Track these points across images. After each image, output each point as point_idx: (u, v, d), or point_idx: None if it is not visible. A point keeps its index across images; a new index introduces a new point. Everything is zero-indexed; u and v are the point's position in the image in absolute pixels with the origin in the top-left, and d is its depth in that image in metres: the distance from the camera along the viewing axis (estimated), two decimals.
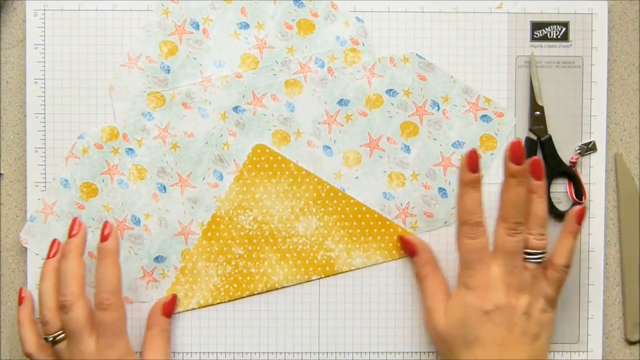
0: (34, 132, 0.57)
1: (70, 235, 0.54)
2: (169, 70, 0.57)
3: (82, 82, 0.57)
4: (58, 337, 0.52)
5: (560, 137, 0.58)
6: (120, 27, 0.57)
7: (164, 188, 0.57)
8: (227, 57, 0.57)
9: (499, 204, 0.53)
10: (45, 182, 0.57)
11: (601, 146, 0.58)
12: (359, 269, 0.57)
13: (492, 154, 0.58)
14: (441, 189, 0.58)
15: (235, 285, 0.57)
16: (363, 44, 0.57)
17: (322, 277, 0.57)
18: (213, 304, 0.57)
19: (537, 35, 0.58)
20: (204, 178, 0.57)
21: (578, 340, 0.58)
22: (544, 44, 0.58)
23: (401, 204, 0.58)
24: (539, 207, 0.53)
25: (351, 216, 0.57)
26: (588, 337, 0.58)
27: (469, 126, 0.58)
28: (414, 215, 0.58)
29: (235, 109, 0.57)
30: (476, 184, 0.52)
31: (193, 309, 0.57)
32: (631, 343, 0.59)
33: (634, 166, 0.59)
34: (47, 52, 0.57)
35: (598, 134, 0.58)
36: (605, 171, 0.59)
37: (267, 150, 0.57)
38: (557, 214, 0.58)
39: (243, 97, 0.57)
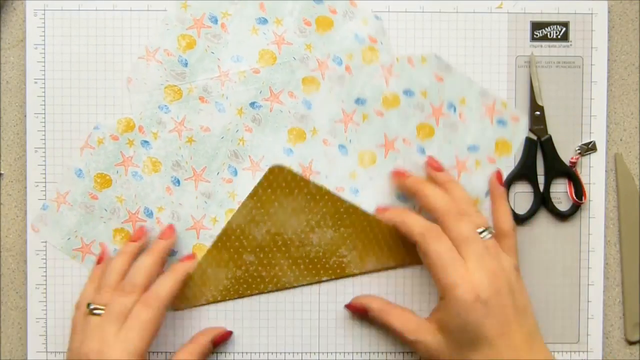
0: (34, 132, 0.57)
1: (161, 237, 0.56)
2: (186, 64, 0.57)
3: (82, 82, 0.57)
4: (98, 310, 0.52)
5: (561, 137, 0.58)
6: (120, 27, 0.57)
7: (178, 182, 0.57)
8: (245, 52, 0.57)
9: (431, 214, 0.53)
10: (45, 182, 0.57)
11: (601, 146, 0.58)
12: (370, 272, 0.57)
13: (507, 158, 0.58)
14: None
15: (245, 286, 0.57)
16: (381, 43, 0.57)
17: (332, 279, 0.57)
18: (222, 301, 0.57)
19: (537, 35, 0.58)
20: (218, 173, 0.57)
21: (578, 340, 0.58)
22: (544, 44, 0.58)
23: (414, 206, 0.57)
24: (457, 189, 0.54)
25: (368, 229, 0.57)
26: (588, 337, 0.58)
27: (485, 130, 0.57)
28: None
29: (252, 104, 0.57)
30: (398, 206, 0.56)
31: (201, 304, 0.57)
32: (631, 343, 0.59)
33: (634, 166, 0.59)
34: (47, 52, 0.57)
35: (598, 134, 0.58)
36: (605, 171, 0.59)
37: (285, 171, 0.56)
38: (558, 214, 0.58)
39: (260, 92, 0.57)
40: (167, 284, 0.53)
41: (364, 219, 0.57)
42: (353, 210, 0.56)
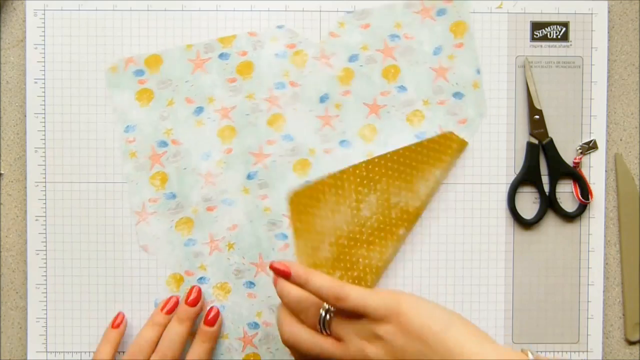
0: (34, 132, 0.57)
1: (189, 304, 0.55)
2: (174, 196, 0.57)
3: (82, 82, 0.57)
4: None
5: (561, 138, 0.58)
6: (120, 28, 0.57)
7: None
8: (208, 147, 0.57)
9: None
10: (45, 182, 0.57)
11: (601, 146, 0.58)
12: (428, 201, 0.57)
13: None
14: (457, 93, 0.57)
15: (342, 265, 0.56)
16: (300, 42, 0.57)
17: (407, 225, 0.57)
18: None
19: (537, 35, 0.58)
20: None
21: (578, 340, 0.58)
22: (544, 44, 0.58)
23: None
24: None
25: (389, 163, 0.57)
26: (588, 337, 0.58)
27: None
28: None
29: (249, 176, 0.57)
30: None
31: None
32: (631, 343, 0.59)
33: (634, 166, 0.59)
34: (47, 52, 0.57)
35: (598, 134, 0.58)
36: (605, 171, 0.59)
37: (300, 192, 0.56)
38: (564, 215, 0.58)
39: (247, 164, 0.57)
40: (199, 352, 0.55)
41: (377, 160, 0.56)
42: (372, 165, 0.56)
